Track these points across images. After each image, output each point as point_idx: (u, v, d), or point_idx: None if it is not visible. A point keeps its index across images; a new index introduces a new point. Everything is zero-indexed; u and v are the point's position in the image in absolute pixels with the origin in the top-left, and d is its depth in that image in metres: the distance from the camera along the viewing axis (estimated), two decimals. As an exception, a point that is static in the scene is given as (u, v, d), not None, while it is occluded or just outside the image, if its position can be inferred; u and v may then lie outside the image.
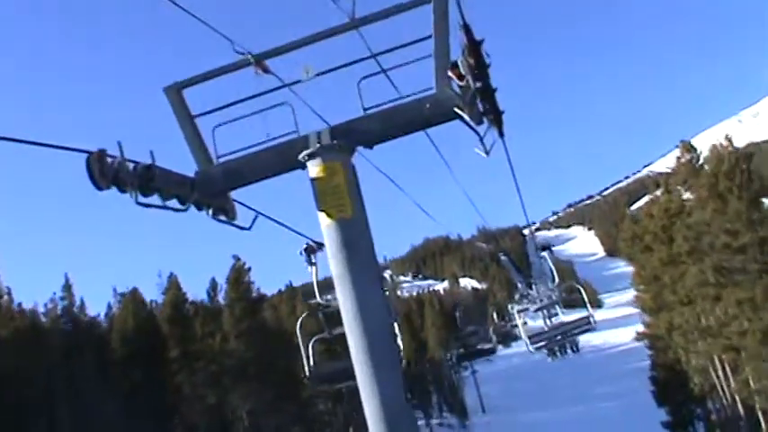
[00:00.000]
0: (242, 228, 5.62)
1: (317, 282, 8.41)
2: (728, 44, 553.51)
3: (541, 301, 22.39)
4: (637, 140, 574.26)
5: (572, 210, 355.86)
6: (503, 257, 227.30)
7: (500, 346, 51.36)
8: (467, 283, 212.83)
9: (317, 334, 9.53)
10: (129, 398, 32.29)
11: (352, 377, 4.97)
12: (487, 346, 38.00)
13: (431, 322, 71.25)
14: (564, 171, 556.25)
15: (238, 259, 41.04)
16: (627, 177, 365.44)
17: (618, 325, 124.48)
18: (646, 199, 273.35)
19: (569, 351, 23.20)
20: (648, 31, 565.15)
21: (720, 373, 29.22)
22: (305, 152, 4.95)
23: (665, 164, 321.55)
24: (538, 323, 23.07)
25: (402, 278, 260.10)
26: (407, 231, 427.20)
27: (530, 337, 16.63)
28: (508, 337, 51.12)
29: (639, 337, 34.64)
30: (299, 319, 9.81)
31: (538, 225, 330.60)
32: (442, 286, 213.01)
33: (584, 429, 56.66)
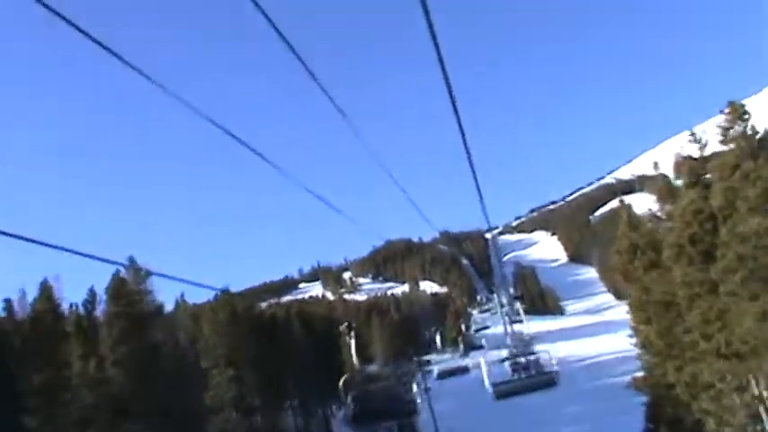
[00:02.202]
0: None
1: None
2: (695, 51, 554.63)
3: (502, 306, 24.25)
4: (601, 146, 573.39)
5: (535, 214, 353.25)
6: (464, 262, 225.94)
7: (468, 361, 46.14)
8: (427, 286, 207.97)
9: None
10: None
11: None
12: (463, 364, 31.52)
13: (378, 335, 62.71)
14: (528, 176, 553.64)
15: (132, 262, 31.91)
16: (590, 183, 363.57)
17: (582, 335, 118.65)
18: (610, 206, 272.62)
19: (532, 371, 19.91)
20: (617, 33, 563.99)
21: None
22: None
23: (630, 170, 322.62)
24: (499, 329, 24.99)
25: (362, 280, 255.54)
26: (370, 232, 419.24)
27: (494, 385, 16.50)
28: (469, 347, 45.24)
29: (637, 384, 24.89)
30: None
31: (500, 229, 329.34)
32: (402, 289, 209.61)
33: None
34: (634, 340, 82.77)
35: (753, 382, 17.12)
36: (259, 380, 49.94)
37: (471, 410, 67.07)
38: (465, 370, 29.10)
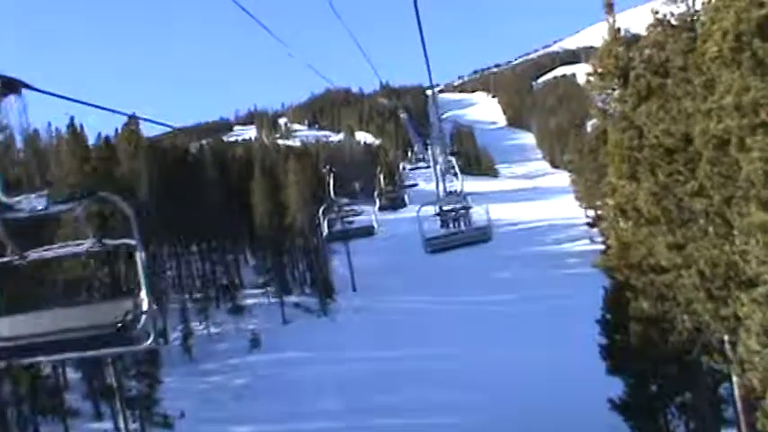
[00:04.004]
0: None
1: None
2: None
3: (437, 163, 21.87)
4: (551, 14, 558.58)
5: (477, 76, 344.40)
6: (403, 115, 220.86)
7: (386, 213, 42.46)
8: (363, 137, 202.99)
9: None
10: None
11: None
12: (364, 223, 26.25)
13: (293, 179, 57.16)
14: (475, 35, 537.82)
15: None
16: (536, 50, 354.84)
17: (515, 199, 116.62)
18: (553, 74, 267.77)
19: (463, 227, 19.13)
20: None
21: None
22: None
23: (576, 42, 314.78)
24: (430, 186, 26.76)
25: (297, 126, 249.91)
26: (309, 79, 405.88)
27: (427, 240, 15.36)
28: (397, 201, 41.20)
29: (601, 262, 18.88)
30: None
31: (442, 87, 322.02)
32: (337, 138, 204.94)
33: (479, 326, 45.12)
34: (583, 208, 78.65)
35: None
36: (162, 221, 44.34)
37: (398, 267, 64.61)
38: (367, 232, 23.97)
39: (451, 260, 61.63)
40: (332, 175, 26.41)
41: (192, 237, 54.84)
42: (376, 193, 36.49)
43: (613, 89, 17.74)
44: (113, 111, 5.66)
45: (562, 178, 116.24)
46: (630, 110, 16.38)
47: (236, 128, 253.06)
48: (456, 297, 54.45)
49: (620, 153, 16.26)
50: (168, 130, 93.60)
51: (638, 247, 15.96)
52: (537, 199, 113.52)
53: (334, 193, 24.13)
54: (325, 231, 22.78)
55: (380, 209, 32.81)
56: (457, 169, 22.52)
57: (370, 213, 24.87)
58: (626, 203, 16.33)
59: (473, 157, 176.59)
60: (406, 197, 40.56)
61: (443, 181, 20.85)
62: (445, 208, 19.17)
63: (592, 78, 19.08)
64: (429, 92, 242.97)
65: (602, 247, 25.79)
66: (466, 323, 46.37)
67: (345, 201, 26.60)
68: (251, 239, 59.49)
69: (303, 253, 61.79)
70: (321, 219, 21.76)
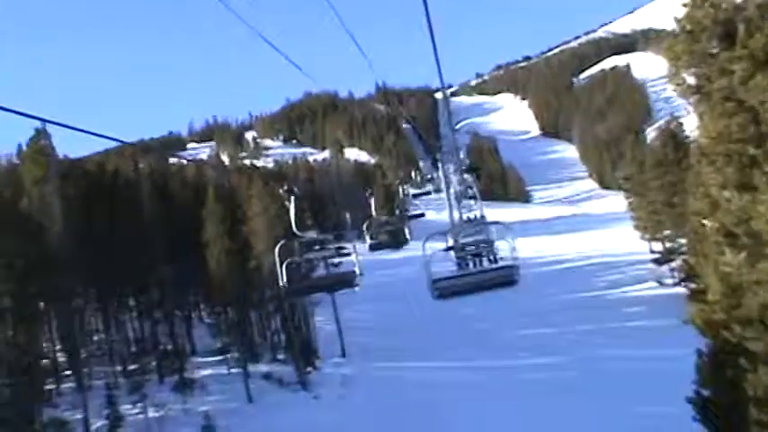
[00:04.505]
0: None
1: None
2: None
3: (449, 186, 21.50)
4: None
5: (501, 72, 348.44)
6: (405, 125, 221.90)
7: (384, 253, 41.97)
8: (354, 154, 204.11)
9: None
10: None
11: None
12: (345, 268, 24.95)
13: (259, 209, 56.33)
14: (496, 24, 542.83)
15: None
16: (577, 38, 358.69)
17: (552, 230, 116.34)
18: (599, 66, 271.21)
19: (486, 264, 17.94)
20: None
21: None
22: None
23: (630, 24, 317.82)
24: (441, 216, 26.11)
25: (269, 143, 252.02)
26: (284, 80, 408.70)
27: (434, 282, 15.38)
28: (398, 237, 41.20)
29: (698, 318, 18.19)
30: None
31: (456, 88, 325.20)
32: (321, 156, 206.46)
33: (515, 405, 42.69)
34: (646, 240, 77.74)
35: None
36: (84, 267, 44.26)
37: (401, 322, 64.60)
38: (344, 282, 22.53)
39: (471, 311, 62.76)
40: (293, 199, 25.23)
41: (125, 288, 53.87)
42: (365, 226, 35.15)
43: (711, 54, 15.88)
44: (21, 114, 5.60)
45: (615, 202, 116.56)
46: (740, 83, 14.76)
47: (191, 145, 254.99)
48: (479, 362, 53.22)
49: (725, 150, 14.60)
50: (97, 149, 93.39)
51: (757, 290, 14.37)
52: (582, 229, 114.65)
53: (299, 226, 23.07)
54: (283, 281, 21.14)
55: (373, 248, 31.78)
56: (476, 190, 22.54)
57: (359, 253, 23.72)
58: (736, 225, 14.70)
59: (497, 177, 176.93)
60: (407, 231, 39.51)
61: (458, 208, 20.75)
62: (462, 241, 18.35)
63: (672, 47, 17.26)
64: (439, 94, 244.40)
65: (677, 290, 24.97)
66: (496, 400, 44.43)
67: (314, 236, 25.30)
68: (205, 290, 58.45)
69: (274, 306, 60.41)
70: (278, 262, 19.90)
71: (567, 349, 53.73)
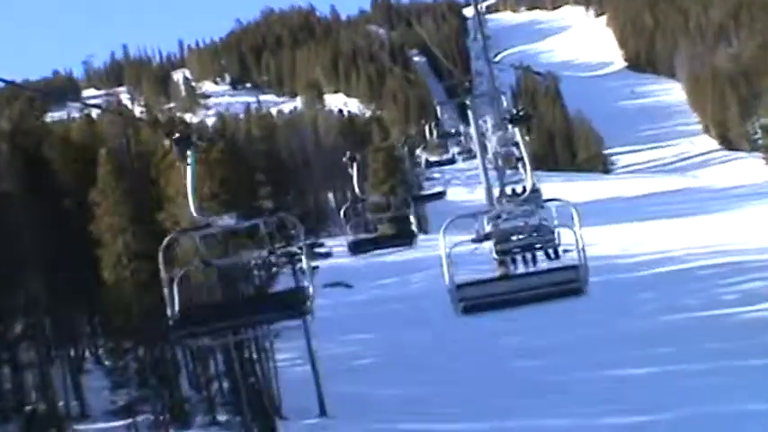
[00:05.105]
0: None
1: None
2: None
3: (485, 146, 23.98)
4: None
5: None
6: (416, 58, 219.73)
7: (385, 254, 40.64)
8: (340, 102, 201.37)
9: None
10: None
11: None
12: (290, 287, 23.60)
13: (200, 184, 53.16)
14: None
15: None
16: None
17: (649, 213, 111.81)
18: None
19: (544, 265, 18.92)
20: None
21: None
22: None
23: None
24: (475, 195, 13.49)
25: (210, 87, 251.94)
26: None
27: (458, 288, 14.26)
28: (404, 230, 38.46)
29: None
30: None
31: (494, 0, 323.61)
32: (289, 106, 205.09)
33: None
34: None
35: None
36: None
37: (407, 357, 62.68)
38: (286, 308, 18.46)
39: (518, 339, 59.48)
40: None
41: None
42: (342, 213, 33.57)
43: None
44: None
45: (748, 168, 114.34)
46: None
47: (89, 92, 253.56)
48: (532, 420, 49.86)
49: None
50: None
51: None
52: (694, 212, 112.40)
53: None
54: (169, 310, 15.36)
55: (355, 248, 30.21)
56: (525, 152, 20.85)
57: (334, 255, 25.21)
58: None
59: (560, 133, 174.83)
60: (413, 222, 35.35)
61: (499, 179, 22.58)
62: (503, 227, 19.73)
63: None
64: (470, 10, 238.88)
65: None
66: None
67: (231, 222, 21.20)
68: (101, 314, 56.67)
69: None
70: (162, 272, 13.75)
71: (672, 401, 49.84)
